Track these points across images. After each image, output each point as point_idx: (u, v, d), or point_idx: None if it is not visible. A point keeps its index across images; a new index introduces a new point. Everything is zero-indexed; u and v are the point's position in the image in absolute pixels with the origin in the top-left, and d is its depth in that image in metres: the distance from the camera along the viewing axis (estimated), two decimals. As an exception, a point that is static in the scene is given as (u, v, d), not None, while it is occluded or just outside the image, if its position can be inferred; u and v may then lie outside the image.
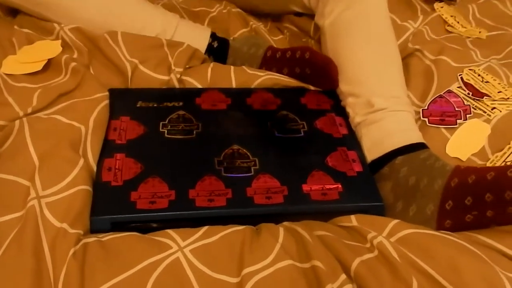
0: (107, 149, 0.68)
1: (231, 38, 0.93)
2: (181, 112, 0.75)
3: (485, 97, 0.79)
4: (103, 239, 0.57)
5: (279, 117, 0.77)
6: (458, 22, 0.96)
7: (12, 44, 0.81)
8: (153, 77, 0.80)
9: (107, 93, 0.75)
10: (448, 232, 0.61)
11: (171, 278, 0.54)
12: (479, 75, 0.83)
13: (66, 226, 0.57)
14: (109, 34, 0.81)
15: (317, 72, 0.80)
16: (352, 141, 0.74)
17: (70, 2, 0.82)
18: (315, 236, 0.59)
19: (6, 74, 0.76)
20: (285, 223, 0.62)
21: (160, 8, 0.89)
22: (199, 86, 0.81)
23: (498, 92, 0.80)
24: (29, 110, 0.70)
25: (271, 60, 0.85)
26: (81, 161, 0.64)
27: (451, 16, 0.96)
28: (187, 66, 0.83)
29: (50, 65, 0.79)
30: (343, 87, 0.77)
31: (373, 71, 0.75)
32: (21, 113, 0.69)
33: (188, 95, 0.79)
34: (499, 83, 0.82)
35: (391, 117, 0.72)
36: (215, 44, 0.88)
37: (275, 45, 0.94)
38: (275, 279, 0.54)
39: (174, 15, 0.89)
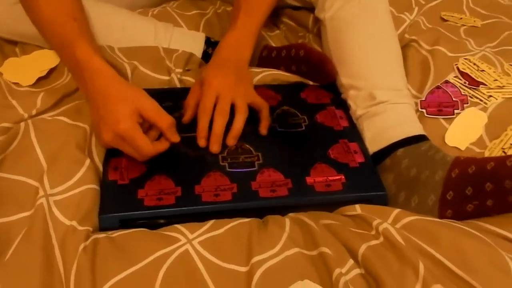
0: (113, 149, 0.69)
1: None
2: (182, 111, 0.76)
3: (481, 85, 0.81)
4: (113, 235, 0.58)
5: (280, 112, 0.78)
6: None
7: (14, 54, 0.83)
8: (153, 77, 0.81)
9: (109, 94, 0.76)
10: (451, 220, 0.62)
11: (181, 269, 0.54)
12: (474, 64, 0.84)
13: (75, 224, 0.58)
14: (106, 46, 0.82)
15: (313, 69, 0.81)
16: (353, 133, 0.75)
17: None
18: (321, 225, 0.60)
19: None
20: (291, 214, 0.63)
21: (153, 20, 0.89)
22: (200, 85, 0.82)
23: (494, 80, 0.81)
24: (34, 112, 0.71)
25: (267, 59, 0.87)
26: (87, 161, 0.65)
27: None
28: (186, 68, 0.84)
29: (52, 71, 0.80)
30: (345, 80, 0.78)
31: (375, 64, 0.76)
32: (25, 115, 0.70)
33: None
34: (494, 72, 0.83)
35: (392, 110, 0.73)
36: (210, 51, 0.89)
37: (271, 42, 0.95)
38: (283, 267, 0.55)
39: (167, 26, 0.89)
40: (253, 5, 0.80)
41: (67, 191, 0.60)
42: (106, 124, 0.62)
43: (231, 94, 0.71)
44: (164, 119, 0.64)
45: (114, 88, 0.63)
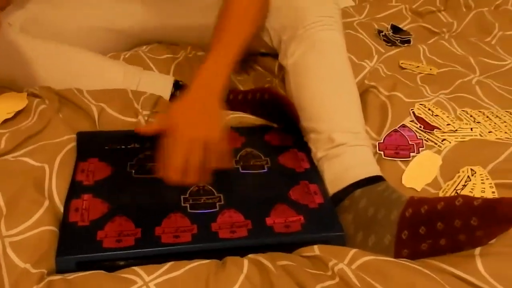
0: (74, 190, 0.69)
1: None
2: (148, 152, 0.78)
3: (435, 129, 0.85)
4: (69, 277, 0.58)
5: (243, 154, 0.80)
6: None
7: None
8: (121, 119, 0.83)
9: (74, 135, 0.77)
10: (405, 259, 0.64)
11: (136, 312, 0.54)
12: (429, 109, 0.88)
13: (28, 266, 0.57)
14: (76, 89, 0.84)
15: (277, 112, 0.84)
16: (313, 174, 0.77)
17: (34, 66, 0.85)
18: (278, 266, 0.61)
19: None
20: (250, 255, 0.64)
21: (122, 63, 0.92)
22: (166, 128, 0.84)
23: (447, 125, 0.85)
24: (-3, 153, 0.71)
25: (233, 103, 0.90)
26: (46, 202, 0.65)
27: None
28: (153, 110, 0.86)
29: (19, 112, 0.81)
30: (305, 123, 0.81)
31: (333, 108, 0.79)
32: (-12, 157, 0.70)
33: (155, 136, 0.81)
34: (447, 116, 0.87)
35: (350, 152, 0.75)
36: (178, 94, 0.91)
37: (240, 86, 0.99)
38: (239, 309, 0.55)
39: (136, 69, 0.91)
40: (230, 38, 0.81)
41: (23, 233, 0.60)
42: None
43: (190, 133, 0.68)
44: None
45: None
